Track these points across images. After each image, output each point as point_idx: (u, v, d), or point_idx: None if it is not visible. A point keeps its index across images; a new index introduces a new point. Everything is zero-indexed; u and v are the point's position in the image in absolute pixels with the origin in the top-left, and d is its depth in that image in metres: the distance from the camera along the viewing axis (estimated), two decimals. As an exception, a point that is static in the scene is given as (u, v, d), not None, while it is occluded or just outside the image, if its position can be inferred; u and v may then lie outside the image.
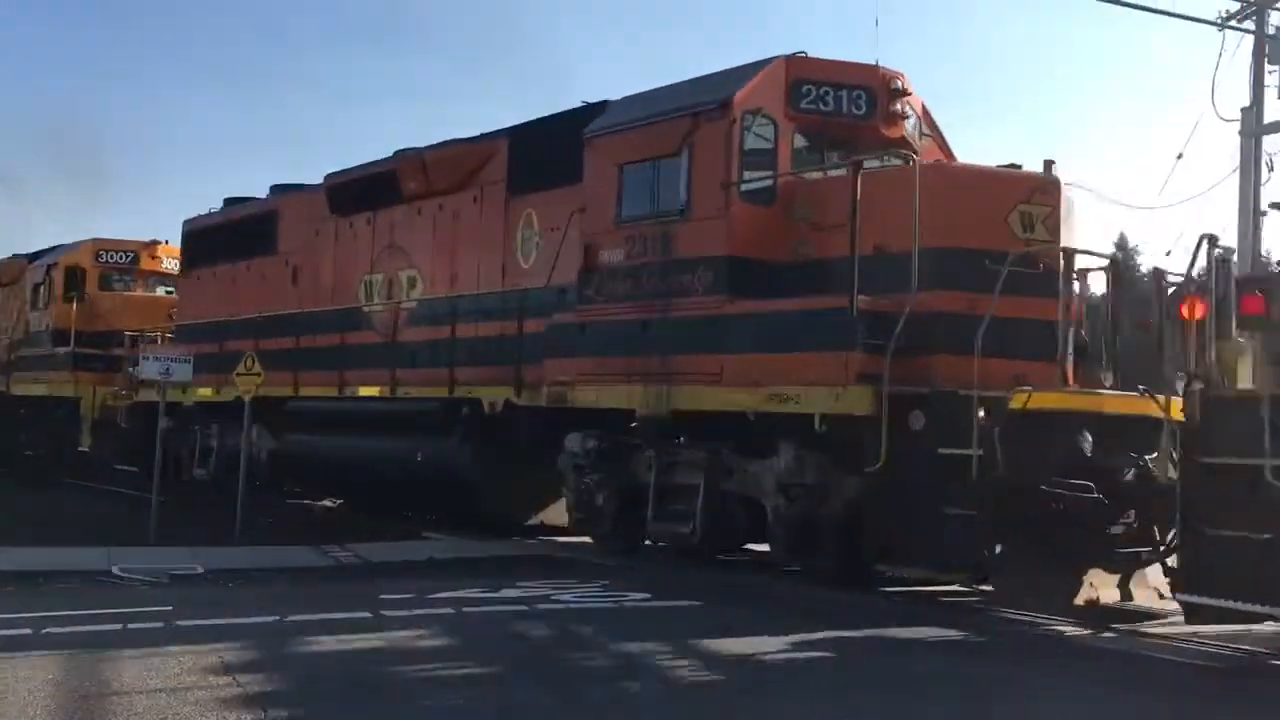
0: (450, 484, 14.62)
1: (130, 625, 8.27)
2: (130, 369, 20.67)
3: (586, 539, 13.19)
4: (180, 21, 74.13)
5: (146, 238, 25.31)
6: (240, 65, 76.58)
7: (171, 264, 23.88)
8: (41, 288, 25.00)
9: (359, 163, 17.43)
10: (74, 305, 23.23)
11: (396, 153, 16.48)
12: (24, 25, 68.85)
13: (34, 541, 12.36)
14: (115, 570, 10.66)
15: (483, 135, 15.30)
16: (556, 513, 13.91)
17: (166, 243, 24.46)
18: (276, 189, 19.92)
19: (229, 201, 21.12)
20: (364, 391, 16.44)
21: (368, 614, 8.94)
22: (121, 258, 24.47)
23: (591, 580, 10.75)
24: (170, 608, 8.90)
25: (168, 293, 24.15)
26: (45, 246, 26.43)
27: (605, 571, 11.38)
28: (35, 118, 70.44)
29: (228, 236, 20.19)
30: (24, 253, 27.11)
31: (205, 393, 18.93)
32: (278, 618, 8.68)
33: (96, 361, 23.28)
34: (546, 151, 13.63)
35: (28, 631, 7.93)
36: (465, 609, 9.27)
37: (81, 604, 9.08)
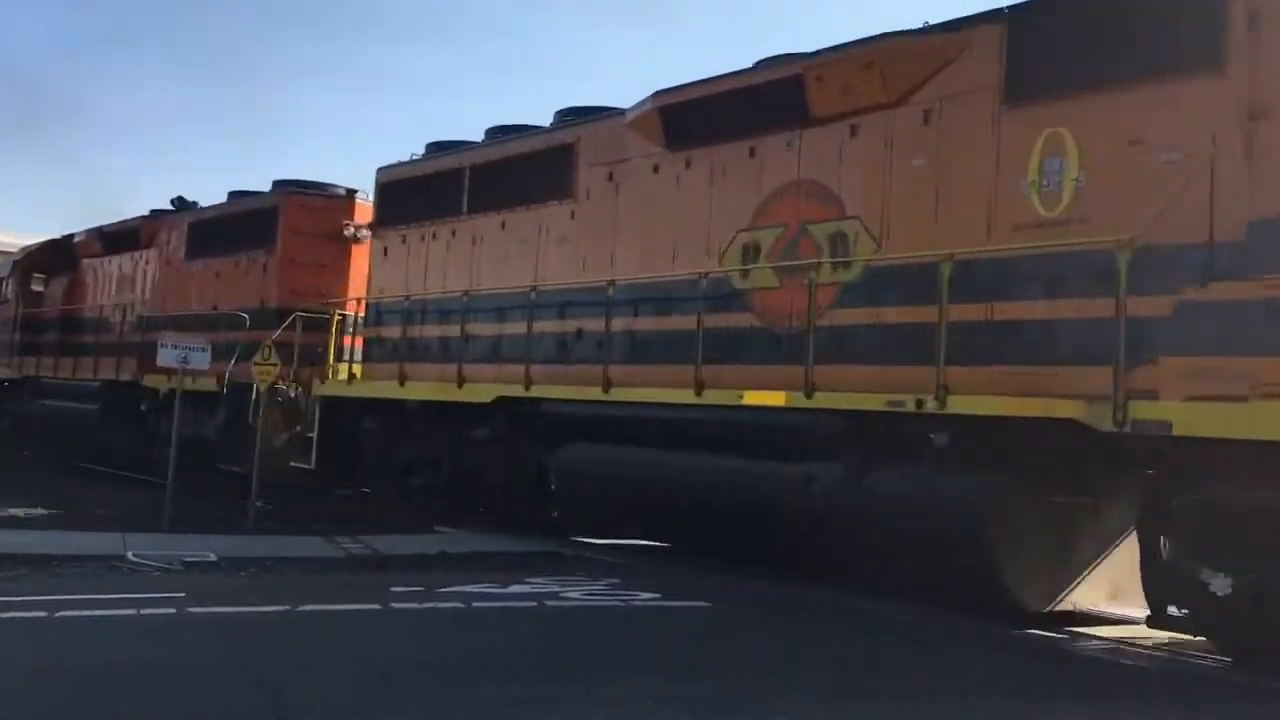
0: None
1: (143, 610, 8.36)
2: None
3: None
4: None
5: None
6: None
7: None
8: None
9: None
10: None
11: None
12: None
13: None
14: (130, 556, 10.76)
15: None
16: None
17: None
18: None
19: None
20: None
21: (378, 605, 9.00)
22: None
23: (601, 579, 10.81)
24: (183, 594, 8.99)
25: None
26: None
27: (615, 570, 11.44)
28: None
29: None
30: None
31: None
32: (288, 607, 8.76)
33: None
34: None
35: (43, 614, 8.03)
36: (475, 604, 9.33)
37: (96, 589, 9.17)
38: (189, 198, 21.79)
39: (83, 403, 22.28)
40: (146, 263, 22.23)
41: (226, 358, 17.08)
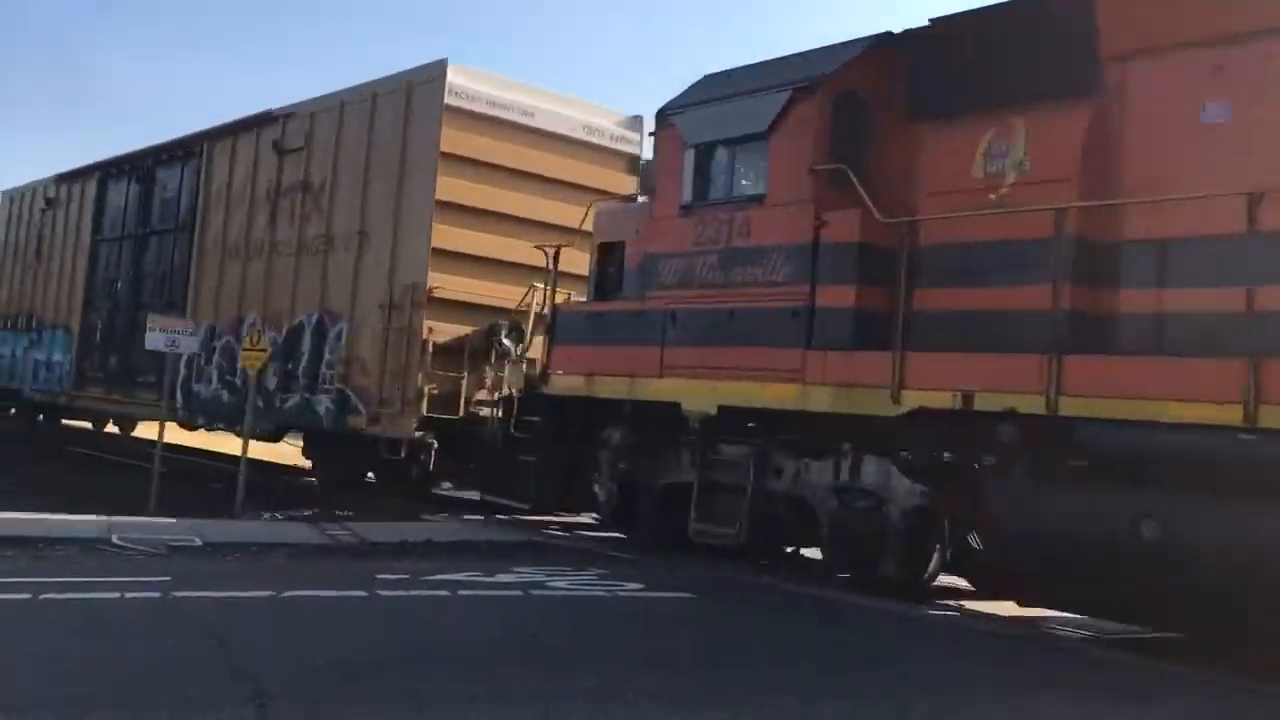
0: None
1: (128, 594, 8.35)
2: None
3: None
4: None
5: None
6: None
7: None
8: None
9: None
10: None
11: None
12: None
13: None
14: (115, 539, 10.74)
15: None
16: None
17: None
18: None
19: None
20: None
21: (363, 592, 9.00)
22: None
23: (586, 568, 10.82)
24: (168, 578, 8.98)
25: None
26: None
27: (601, 560, 11.46)
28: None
29: None
30: None
31: None
32: (273, 593, 8.75)
33: None
34: None
35: (26, 596, 8.02)
36: (460, 591, 9.33)
37: (80, 571, 9.15)
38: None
39: None
40: None
41: None
